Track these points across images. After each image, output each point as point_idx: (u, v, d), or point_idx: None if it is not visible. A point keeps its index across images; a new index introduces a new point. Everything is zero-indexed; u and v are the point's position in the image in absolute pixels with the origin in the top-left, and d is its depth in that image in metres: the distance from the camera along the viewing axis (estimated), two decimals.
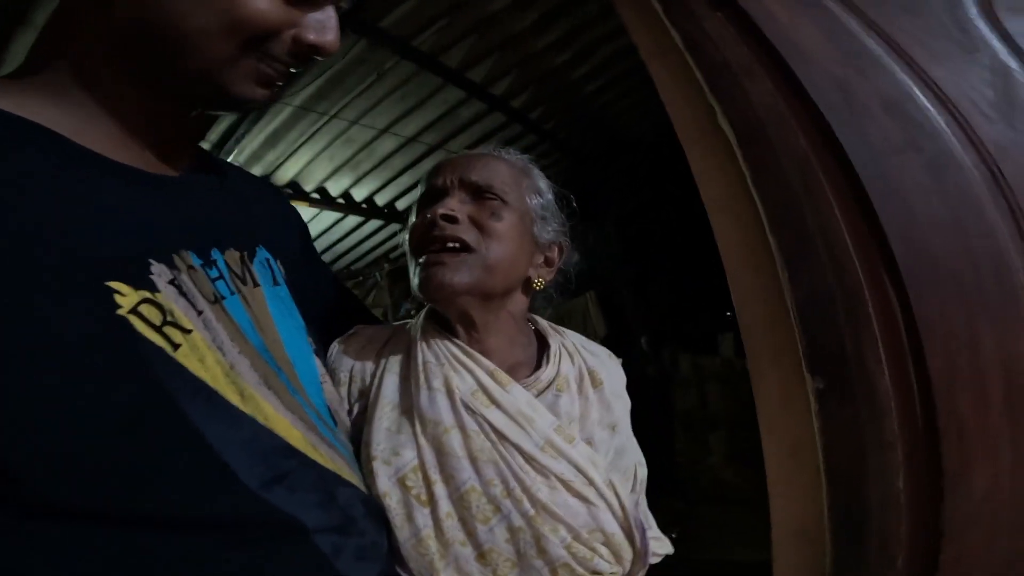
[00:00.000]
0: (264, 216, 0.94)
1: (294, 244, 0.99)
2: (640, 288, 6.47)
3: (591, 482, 0.87)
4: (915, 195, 0.75)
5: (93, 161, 0.65)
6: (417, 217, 0.98)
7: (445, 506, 0.83)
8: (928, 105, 0.79)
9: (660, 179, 6.43)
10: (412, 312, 7.03)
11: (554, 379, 0.95)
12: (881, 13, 0.86)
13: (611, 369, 1.05)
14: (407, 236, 1.00)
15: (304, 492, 0.69)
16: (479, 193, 0.96)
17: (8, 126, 0.60)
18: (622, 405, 1.03)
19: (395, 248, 7.06)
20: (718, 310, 5.70)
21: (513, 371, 0.94)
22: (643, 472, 1.02)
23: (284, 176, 5.02)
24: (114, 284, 0.60)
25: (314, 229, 6.00)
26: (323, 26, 0.70)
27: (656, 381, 5.84)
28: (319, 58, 0.73)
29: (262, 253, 0.86)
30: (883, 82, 0.79)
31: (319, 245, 6.34)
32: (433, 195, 0.99)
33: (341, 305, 1.12)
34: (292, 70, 0.73)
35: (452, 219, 0.92)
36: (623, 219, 6.40)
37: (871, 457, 0.71)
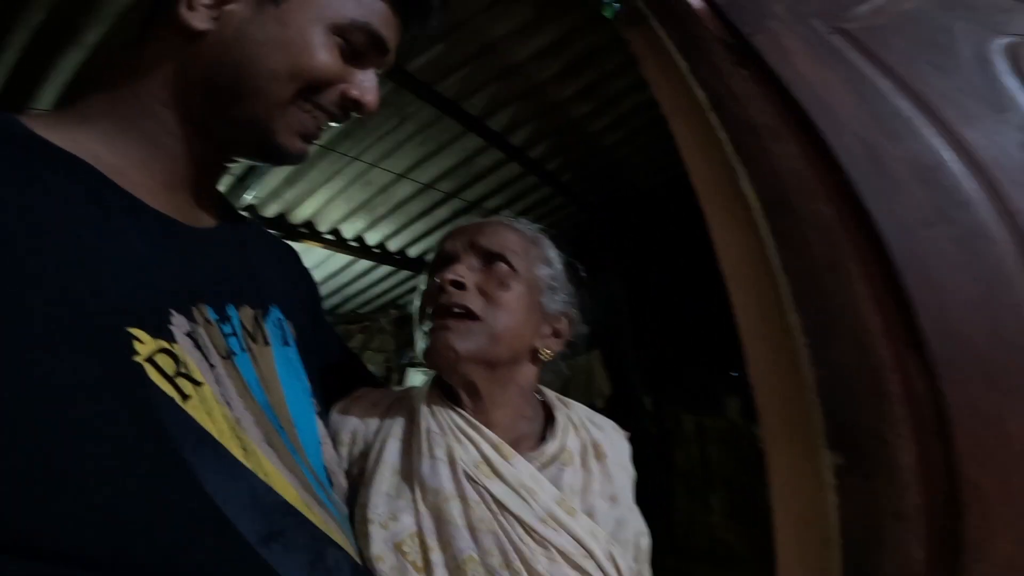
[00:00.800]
0: (279, 276, 0.97)
1: (306, 306, 1.01)
2: (644, 347, 6.44)
3: (591, 554, 0.85)
4: (945, 271, 0.71)
5: (130, 204, 0.69)
6: (427, 283, 0.99)
7: (441, 574, 0.82)
8: (960, 172, 0.75)
9: (669, 235, 6.46)
10: (415, 360, 7.06)
11: (559, 453, 0.94)
12: (912, 72, 0.82)
13: (615, 441, 1.04)
14: (417, 302, 1.01)
15: (297, 552, 0.68)
16: (489, 260, 0.97)
17: (54, 161, 0.64)
18: (625, 476, 1.01)
19: (403, 295, 7.19)
20: (723, 371, 5.72)
21: (517, 443, 0.93)
22: (646, 542, 1.00)
23: (301, 215, 5.06)
24: (134, 331, 0.61)
25: (325, 270, 6.11)
26: (368, 87, 0.81)
27: (658, 440, 5.88)
28: (357, 115, 0.83)
29: (275, 313, 0.88)
30: (914, 147, 0.76)
31: (329, 286, 6.47)
32: (444, 260, 1.00)
33: (347, 369, 1.13)
34: (331, 124, 0.83)
35: (460, 285, 0.93)
36: (630, 275, 6.40)
37: (889, 528, 0.67)
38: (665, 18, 1.25)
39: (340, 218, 5.26)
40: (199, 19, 0.72)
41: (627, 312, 6.34)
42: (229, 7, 0.73)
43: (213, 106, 0.75)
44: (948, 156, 0.76)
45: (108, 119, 0.72)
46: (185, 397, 0.63)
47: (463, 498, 0.85)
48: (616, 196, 6.14)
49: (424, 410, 0.93)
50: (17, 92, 3.04)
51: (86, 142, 0.68)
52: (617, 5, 1.47)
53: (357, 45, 0.78)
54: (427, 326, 0.94)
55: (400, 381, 7.17)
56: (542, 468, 0.91)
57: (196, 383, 0.65)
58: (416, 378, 6.85)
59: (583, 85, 4.16)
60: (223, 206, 0.91)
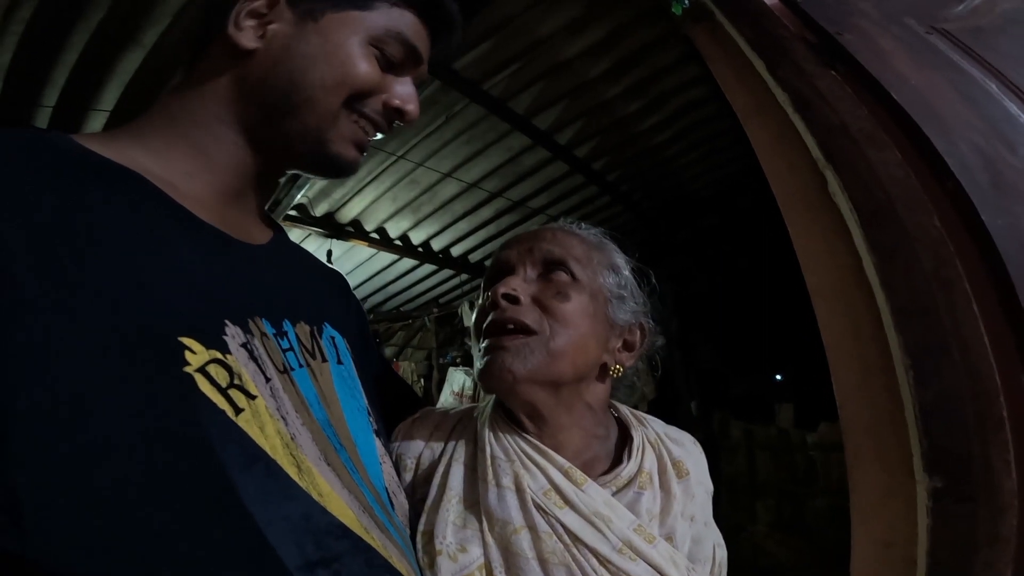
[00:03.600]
0: (330, 296, 1.00)
1: (354, 327, 1.00)
2: (691, 352, 6.35)
3: None
4: None
5: (184, 217, 0.71)
6: (482, 296, 0.95)
7: None
8: None
9: (720, 238, 6.36)
10: (457, 359, 7.17)
11: (635, 475, 0.87)
12: (1020, 73, 0.76)
13: (696, 457, 0.98)
14: (472, 318, 0.97)
15: None
16: (548, 268, 0.92)
17: (106, 173, 0.66)
18: (704, 492, 0.96)
19: (445, 293, 7.19)
20: (774, 377, 5.65)
21: (590, 466, 0.88)
22: (722, 553, 0.96)
23: (348, 214, 5.09)
24: (186, 340, 0.61)
25: (370, 269, 6.16)
26: (408, 96, 0.86)
27: (705, 447, 5.76)
28: (400, 123, 0.88)
29: (329, 330, 0.88)
30: None
31: (373, 284, 6.54)
32: (499, 272, 0.95)
33: (398, 392, 1.13)
34: (378, 135, 0.87)
35: (513, 299, 0.88)
36: (678, 278, 6.31)
37: (982, 552, 0.66)
38: (735, 14, 1.19)
39: (386, 217, 5.27)
40: (247, 38, 0.78)
41: (674, 316, 6.25)
42: (273, 26, 0.78)
43: (268, 119, 0.79)
44: None
45: (161, 136, 0.76)
46: (238, 411, 0.62)
47: (532, 529, 0.80)
48: (664, 196, 6.04)
49: (488, 435, 0.88)
50: (78, 93, 3.11)
51: (138, 157, 0.71)
52: (685, 1, 1.42)
53: (392, 55, 0.83)
54: (482, 345, 0.89)
55: (441, 380, 7.26)
56: (617, 493, 0.86)
57: (250, 396, 0.64)
58: (457, 377, 6.90)
59: (632, 83, 4.06)
60: (271, 224, 0.94)
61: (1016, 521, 0.65)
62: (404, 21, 0.84)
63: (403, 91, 0.85)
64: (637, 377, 1.03)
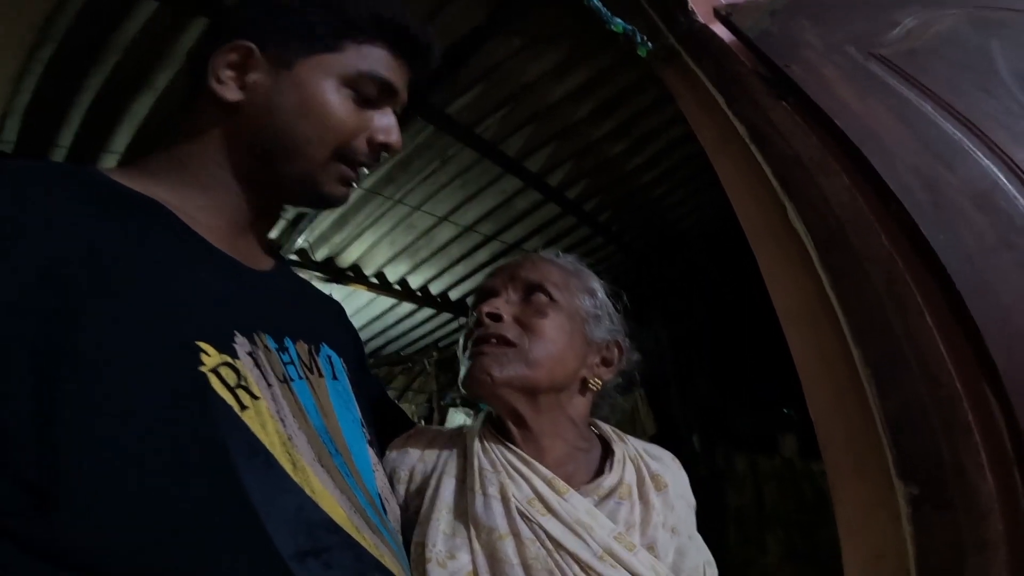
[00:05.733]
0: (327, 320, 1.06)
1: (351, 350, 1.06)
2: (690, 386, 6.37)
3: None
4: (1011, 297, 0.69)
5: (200, 245, 0.78)
6: (469, 319, 1.03)
7: None
8: (1017, 194, 0.73)
9: (711, 273, 6.39)
10: (457, 401, 7.15)
11: (616, 486, 0.92)
12: (955, 94, 0.80)
13: (675, 472, 1.02)
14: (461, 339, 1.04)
15: (338, 571, 0.70)
16: (529, 291, 1.00)
17: (136, 203, 0.75)
18: (685, 505, 1.00)
19: (444, 337, 7.25)
20: (776, 409, 5.62)
21: (572, 477, 0.93)
22: (712, 572, 0.98)
23: (348, 259, 5.15)
24: (202, 344, 0.68)
25: (370, 313, 6.20)
26: (389, 128, 0.89)
27: (708, 480, 5.75)
28: (387, 155, 0.92)
29: (326, 350, 0.94)
30: (969, 172, 0.73)
31: (373, 329, 6.56)
32: (485, 295, 1.04)
33: (391, 410, 1.19)
34: (366, 170, 0.92)
35: (496, 317, 0.96)
36: (672, 315, 6.35)
37: (971, 558, 0.67)
38: (698, 54, 1.25)
39: (385, 261, 5.33)
40: (229, 91, 0.82)
41: (671, 351, 6.25)
42: (251, 76, 0.82)
43: (262, 166, 0.84)
44: (1003, 179, 0.74)
45: (174, 175, 0.82)
46: (243, 407, 0.68)
47: (516, 535, 0.84)
48: (655, 234, 6.10)
49: (476, 447, 0.94)
50: (92, 134, 3.20)
51: (159, 192, 0.78)
52: (650, 44, 1.48)
53: (367, 93, 0.86)
54: (466, 356, 0.97)
55: (442, 421, 7.26)
56: (599, 503, 0.90)
57: (254, 396, 0.71)
58: (457, 418, 6.90)
59: (616, 124, 4.16)
60: (275, 254, 1.00)
61: (1002, 526, 0.66)
62: (374, 58, 0.87)
63: (384, 123, 0.89)
64: (619, 394, 1.10)
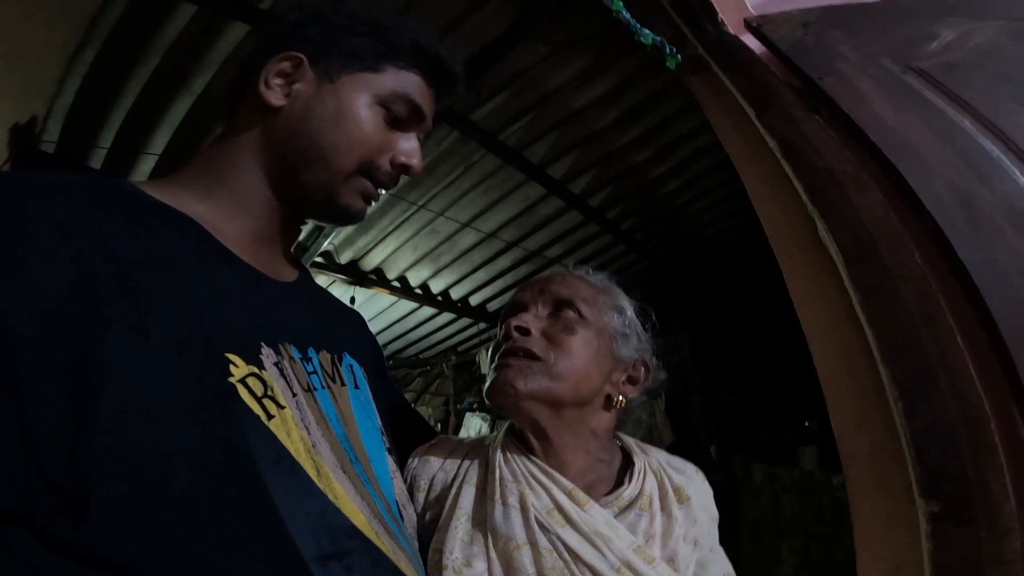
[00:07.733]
0: (349, 330, 1.09)
1: (371, 359, 1.08)
2: (709, 396, 6.33)
3: None
4: None
5: (228, 257, 0.82)
6: (498, 332, 1.04)
7: None
8: None
9: (734, 283, 6.36)
10: (474, 405, 7.19)
11: (636, 498, 0.92)
12: (994, 109, 0.79)
13: (698, 484, 1.02)
14: (490, 351, 1.05)
15: (360, 574, 0.72)
16: (558, 307, 1.01)
17: (166, 215, 0.78)
18: (708, 519, 0.99)
19: (463, 342, 7.32)
20: (795, 421, 5.58)
21: (592, 488, 0.93)
22: None
23: (371, 262, 5.22)
24: (231, 356, 0.70)
25: (391, 316, 6.27)
26: (412, 151, 0.94)
27: (724, 490, 5.68)
28: (406, 176, 0.97)
29: (348, 359, 0.96)
30: (1007, 190, 0.72)
31: (394, 331, 6.61)
32: (514, 309, 1.05)
33: (409, 417, 1.20)
34: (384, 190, 0.96)
35: (524, 331, 0.97)
36: (695, 323, 6.32)
37: (990, 575, 0.66)
38: (727, 64, 1.24)
39: (407, 266, 5.39)
40: (275, 96, 0.87)
41: (690, 361, 6.22)
42: (297, 85, 0.88)
43: (289, 171, 0.88)
44: None
45: (205, 184, 0.86)
46: (270, 416, 0.71)
47: (534, 545, 0.84)
48: (679, 243, 6.08)
49: (498, 458, 0.94)
50: (132, 136, 3.28)
51: (189, 203, 0.81)
52: (679, 56, 1.47)
53: (398, 113, 0.91)
54: (492, 368, 0.98)
55: (458, 425, 7.34)
56: (619, 514, 0.90)
57: (280, 406, 0.73)
58: (473, 422, 6.92)
59: (641, 132, 4.16)
60: (297, 265, 1.02)
61: (1020, 544, 0.66)
62: (410, 82, 0.93)
63: (408, 147, 0.93)
64: (643, 411, 1.09)
